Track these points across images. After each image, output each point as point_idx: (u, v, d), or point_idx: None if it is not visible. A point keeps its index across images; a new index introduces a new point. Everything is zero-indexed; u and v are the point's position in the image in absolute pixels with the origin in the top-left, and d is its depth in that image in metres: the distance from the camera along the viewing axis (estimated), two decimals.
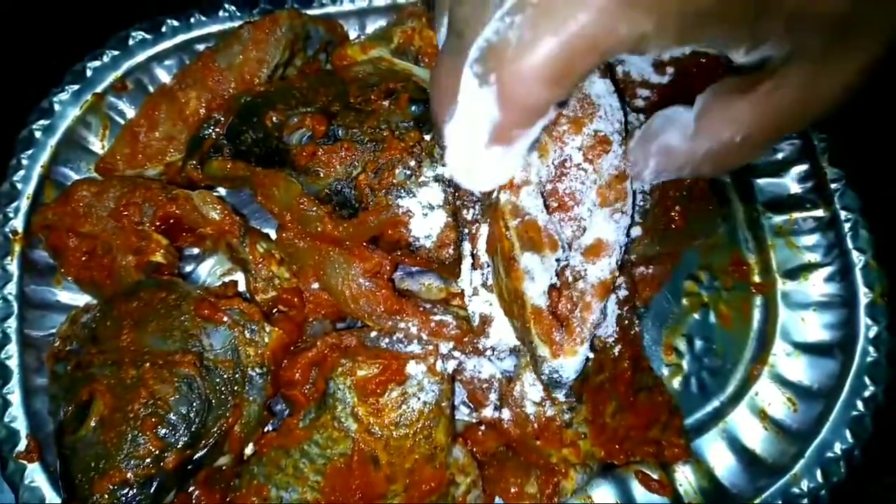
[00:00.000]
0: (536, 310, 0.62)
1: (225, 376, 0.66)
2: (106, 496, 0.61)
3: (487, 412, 0.71)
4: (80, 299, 0.77)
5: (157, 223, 0.73)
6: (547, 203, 0.64)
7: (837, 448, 0.72)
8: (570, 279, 0.63)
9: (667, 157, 0.60)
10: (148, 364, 0.65)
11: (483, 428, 0.72)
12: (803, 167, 0.82)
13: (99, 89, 0.81)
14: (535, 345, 0.61)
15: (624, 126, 0.67)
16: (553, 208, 0.65)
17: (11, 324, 0.74)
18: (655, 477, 0.73)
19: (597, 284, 0.63)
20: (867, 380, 0.73)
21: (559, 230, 0.64)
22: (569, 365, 0.61)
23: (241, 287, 0.76)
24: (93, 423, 0.64)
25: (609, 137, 0.65)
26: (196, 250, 0.80)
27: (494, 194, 0.64)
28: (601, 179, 0.65)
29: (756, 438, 0.75)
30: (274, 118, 0.72)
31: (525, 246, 0.62)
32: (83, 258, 0.73)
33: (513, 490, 0.71)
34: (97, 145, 0.82)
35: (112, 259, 0.72)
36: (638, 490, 0.73)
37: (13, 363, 0.73)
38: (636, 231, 0.70)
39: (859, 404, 0.73)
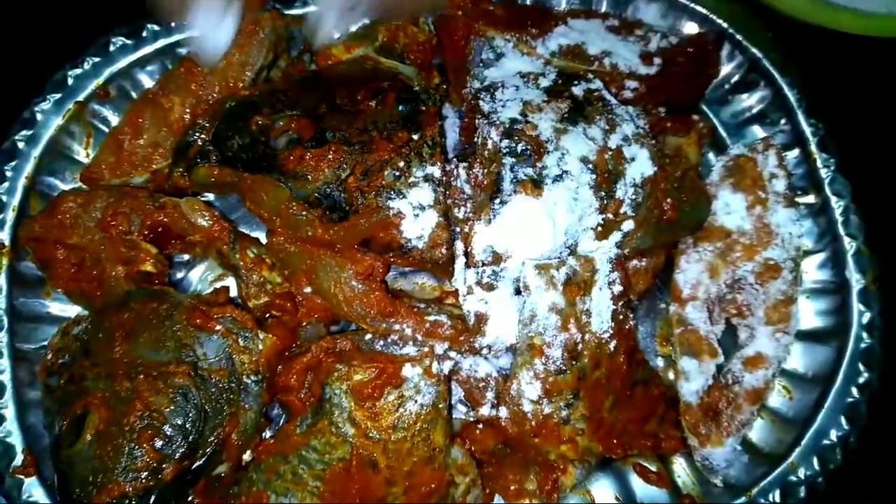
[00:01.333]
0: (687, 405, 0.72)
1: (220, 385, 0.66)
2: None
3: (485, 410, 0.71)
4: (71, 310, 0.76)
5: (146, 232, 0.72)
6: (726, 310, 0.75)
7: (833, 435, 0.72)
8: (729, 381, 0.73)
9: None
10: (142, 376, 0.64)
11: (481, 426, 0.72)
12: (794, 153, 0.82)
13: (81, 97, 0.80)
14: (685, 435, 0.71)
15: (801, 252, 0.77)
16: (732, 315, 0.75)
17: (2, 338, 0.73)
18: (653, 469, 0.74)
19: (750, 391, 0.73)
20: (861, 366, 0.74)
21: (719, 339, 0.75)
22: (718, 454, 0.71)
23: (233, 293, 0.76)
24: (88, 437, 0.63)
25: (780, 265, 0.75)
26: (186, 257, 0.79)
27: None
28: (769, 301, 0.75)
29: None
30: (259, 122, 0.71)
31: (685, 351, 0.73)
32: (72, 270, 0.72)
33: (512, 487, 0.71)
34: (82, 154, 0.81)
35: (101, 270, 0.71)
36: (637, 483, 0.74)
37: (6, 377, 0.72)
38: (629, 225, 0.70)
39: (854, 391, 0.73)
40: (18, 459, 0.70)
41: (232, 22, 0.65)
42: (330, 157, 0.69)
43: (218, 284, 0.79)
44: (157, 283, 0.72)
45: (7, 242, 0.75)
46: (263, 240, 0.76)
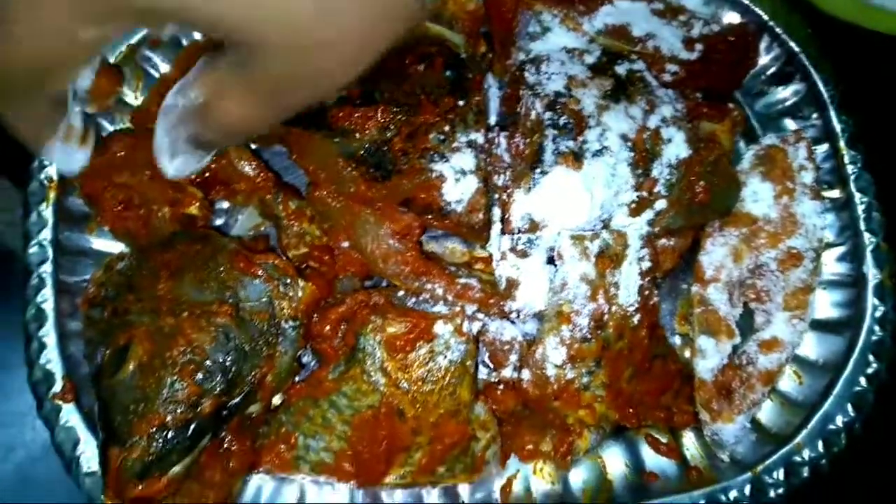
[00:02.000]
0: (702, 381, 0.74)
1: (259, 327, 0.68)
2: (145, 438, 0.63)
3: (507, 372, 0.74)
4: (114, 247, 0.79)
5: (192, 176, 0.74)
6: (746, 294, 0.78)
7: (839, 421, 0.75)
8: (744, 362, 0.76)
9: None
10: (186, 313, 0.66)
11: (502, 387, 0.75)
12: (823, 147, 0.84)
13: (133, 41, 0.82)
14: (696, 410, 0.75)
15: (823, 243, 0.80)
16: (751, 299, 0.78)
17: (47, 269, 0.75)
18: (664, 441, 0.77)
19: (763, 372, 0.75)
20: (871, 357, 0.76)
21: (737, 321, 0.77)
22: (728, 430, 0.74)
23: (272, 241, 0.78)
24: (131, 368, 0.65)
25: (802, 254, 0.77)
26: (226, 204, 0.81)
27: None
28: (788, 288, 0.77)
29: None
30: None
31: (703, 329, 0.75)
32: (119, 207, 0.74)
33: (528, 447, 0.74)
34: (131, 97, 0.83)
35: (148, 210, 0.73)
36: (647, 453, 0.76)
37: (49, 307, 0.74)
38: (661, 204, 0.72)
39: (862, 380, 0.76)
40: (58, 386, 0.72)
41: (84, 156, 0.66)
42: (378, 116, 0.71)
43: (254, 233, 0.81)
44: (202, 226, 0.75)
45: (55, 178, 0.77)
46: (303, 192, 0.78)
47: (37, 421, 0.73)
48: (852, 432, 0.75)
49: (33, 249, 0.75)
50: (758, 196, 0.79)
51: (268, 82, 0.51)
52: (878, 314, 0.78)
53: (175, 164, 0.62)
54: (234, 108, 0.53)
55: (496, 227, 0.73)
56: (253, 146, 0.83)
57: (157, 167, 0.71)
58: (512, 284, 0.72)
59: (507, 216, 0.71)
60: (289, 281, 0.70)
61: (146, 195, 0.74)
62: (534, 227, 0.70)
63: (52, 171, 0.77)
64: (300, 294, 0.70)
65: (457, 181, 0.71)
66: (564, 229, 0.69)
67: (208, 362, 0.66)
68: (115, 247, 0.79)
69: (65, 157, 0.65)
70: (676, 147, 0.73)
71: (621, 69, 0.76)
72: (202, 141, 0.59)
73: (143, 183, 0.74)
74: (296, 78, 0.51)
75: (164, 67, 0.83)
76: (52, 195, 0.77)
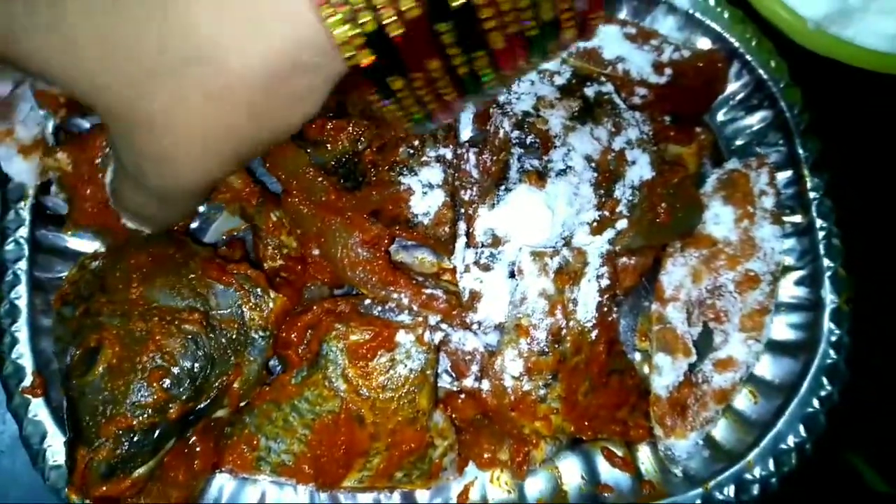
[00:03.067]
0: (657, 397, 0.76)
1: (229, 336, 0.70)
2: (112, 440, 0.65)
3: (468, 382, 0.75)
4: (89, 246, 0.80)
5: None
6: (705, 314, 0.80)
7: (791, 441, 0.77)
8: (699, 380, 0.78)
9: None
10: (157, 318, 0.68)
11: (462, 396, 0.77)
12: (787, 173, 0.86)
13: None
14: (651, 425, 0.77)
15: (781, 267, 0.81)
16: (711, 319, 0.80)
17: (22, 266, 0.77)
18: (620, 454, 0.78)
19: (718, 391, 0.77)
20: (825, 380, 0.78)
21: (695, 340, 0.79)
22: (681, 446, 0.76)
23: (248, 247, 0.80)
24: (100, 370, 0.67)
25: (759, 277, 0.79)
26: (202, 207, 0.83)
27: None
28: (745, 309, 0.79)
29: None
30: None
31: (661, 347, 0.77)
32: (99, 206, 0.74)
33: (486, 456, 0.76)
34: None
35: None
36: (602, 465, 0.78)
37: (22, 303, 0.76)
38: (623, 224, 0.74)
39: (815, 402, 0.78)
40: (28, 381, 0.74)
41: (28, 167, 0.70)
42: (349, 129, 0.73)
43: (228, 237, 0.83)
44: (178, 228, 0.76)
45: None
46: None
47: (6, 414, 0.75)
48: (803, 453, 0.77)
49: (9, 247, 0.77)
50: (719, 219, 0.81)
51: (131, 165, 0.50)
52: (833, 338, 0.80)
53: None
54: (129, 196, 0.53)
55: (461, 241, 0.75)
56: None
57: None
58: (474, 297, 0.74)
59: (470, 230, 0.73)
60: (260, 292, 0.72)
61: None
62: (496, 241, 0.72)
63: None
64: (271, 305, 0.72)
65: (424, 194, 0.73)
66: (525, 245, 0.71)
67: (176, 369, 0.67)
68: (91, 246, 0.80)
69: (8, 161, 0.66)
70: (640, 169, 0.75)
71: (590, 91, 0.78)
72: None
73: None
74: (152, 163, 0.50)
75: None
76: (30, 193, 0.79)
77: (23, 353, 0.75)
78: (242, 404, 0.74)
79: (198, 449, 0.71)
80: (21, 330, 0.75)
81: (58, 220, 0.80)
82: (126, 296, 0.70)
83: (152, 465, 0.67)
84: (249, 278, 0.72)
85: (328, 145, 0.73)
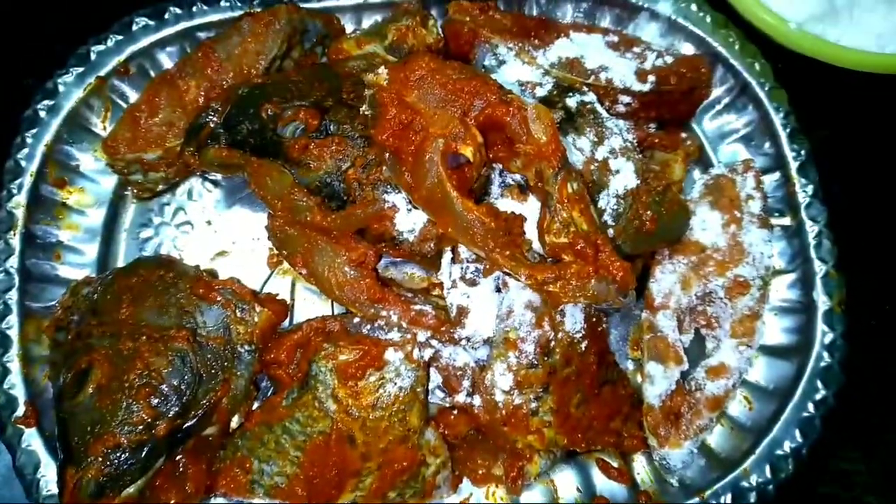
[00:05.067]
0: (650, 407, 0.75)
1: (216, 352, 0.71)
2: (100, 458, 0.65)
3: (460, 398, 0.75)
4: (79, 273, 0.81)
5: (481, 118, 0.70)
6: (697, 321, 0.79)
7: (787, 446, 0.76)
8: (693, 388, 0.77)
9: None
10: (144, 337, 0.69)
11: (455, 412, 0.76)
12: (775, 176, 0.86)
13: (102, 73, 0.84)
14: (645, 435, 0.76)
15: (770, 271, 0.81)
16: (702, 325, 0.79)
17: (12, 296, 0.77)
18: (615, 465, 0.78)
19: (711, 398, 0.77)
20: (819, 383, 0.78)
21: (686, 347, 0.78)
22: (675, 455, 0.75)
23: (230, 272, 0.80)
24: (90, 390, 0.68)
25: (749, 282, 0.79)
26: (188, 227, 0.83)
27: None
28: (736, 315, 0.79)
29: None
30: (269, 110, 0.75)
31: (652, 356, 0.77)
32: (398, 127, 0.71)
33: (480, 472, 0.76)
34: (99, 127, 0.85)
35: (423, 138, 0.69)
36: (598, 477, 0.78)
37: (13, 333, 0.76)
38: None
39: (810, 406, 0.77)
40: (20, 410, 0.74)
41: None
42: (333, 148, 0.73)
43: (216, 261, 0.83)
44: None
45: (24, 204, 0.79)
46: (266, 221, 0.79)
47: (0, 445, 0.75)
48: (799, 458, 0.76)
49: (0, 276, 0.77)
50: (706, 225, 0.80)
51: None
52: (826, 340, 0.79)
53: None
54: None
55: (447, 256, 0.75)
56: (218, 175, 0.86)
57: (447, 100, 0.69)
58: (462, 312, 0.73)
59: (455, 246, 0.73)
60: (246, 306, 0.73)
61: (428, 123, 0.69)
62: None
63: (20, 199, 0.80)
64: (256, 319, 0.73)
65: (409, 211, 0.73)
66: None
67: (164, 386, 0.68)
68: (82, 273, 0.81)
69: None
70: (625, 177, 0.75)
71: (572, 101, 0.78)
72: None
73: (430, 109, 0.70)
74: None
75: (133, 96, 0.85)
76: (19, 223, 0.79)
77: (14, 384, 0.75)
78: (234, 426, 0.74)
79: (189, 471, 0.71)
80: (13, 360, 0.76)
81: (49, 248, 0.81)
82: (115, 317, 0.71)
83: (141, 484, 0.67)
84: (235, 293, 0.73)
85: (311, 165, 0.73)
